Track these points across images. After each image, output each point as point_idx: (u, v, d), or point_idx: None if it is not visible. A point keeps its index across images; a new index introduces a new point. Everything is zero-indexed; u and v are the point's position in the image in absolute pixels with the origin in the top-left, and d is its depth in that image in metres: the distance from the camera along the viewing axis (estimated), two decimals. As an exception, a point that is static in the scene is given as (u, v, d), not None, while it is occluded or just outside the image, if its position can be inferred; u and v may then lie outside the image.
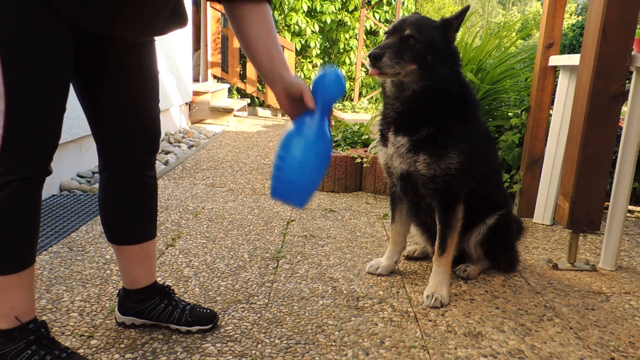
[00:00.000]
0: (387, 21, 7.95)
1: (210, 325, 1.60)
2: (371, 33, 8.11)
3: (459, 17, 1.79)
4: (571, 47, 10.62)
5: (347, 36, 7.84)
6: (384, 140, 1.96)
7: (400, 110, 1.86)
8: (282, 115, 7.81)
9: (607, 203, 2.29)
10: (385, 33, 1.84)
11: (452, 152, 1.80)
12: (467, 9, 1.80)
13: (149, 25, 1.30)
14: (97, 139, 1.45)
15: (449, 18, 1.81)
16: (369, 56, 1.73)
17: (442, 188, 1.85)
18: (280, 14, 7.60)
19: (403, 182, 1.95)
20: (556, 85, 2.83)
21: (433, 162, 1.81)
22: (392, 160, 1.92)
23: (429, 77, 1.77)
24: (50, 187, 3.06)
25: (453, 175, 1.82)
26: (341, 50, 7.93)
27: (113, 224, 1.54)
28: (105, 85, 1.36)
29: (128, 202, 1.51)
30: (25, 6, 1.13)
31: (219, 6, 7.09)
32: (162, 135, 5.21)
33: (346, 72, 8.00)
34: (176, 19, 1.35)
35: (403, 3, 7.70)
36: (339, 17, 7.78)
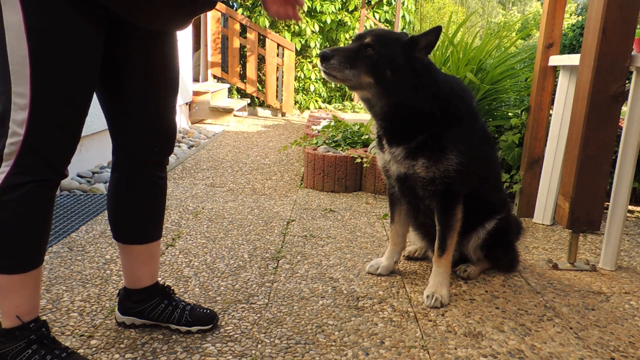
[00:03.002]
0: (387, 21, 7.94)
1: (210, 326, 1.60)
2: (371, 33, 8.11)
3: (427, 36, 1.67)
4: (571, 47, 10.62)
5: (347, 36, 7.84)
6: (380, 144, 1.95)
7: (385, 126, 1.85)
8: (282, 115, 7.81)
9: (607, 203, 2.29)
10: (352, 39, 1.78)
11: (450, 154, 1.78)
12: (437, 29, 1.68)
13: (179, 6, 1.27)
14: (115, 138, 1.46)
15: (416, 35, 1.71)
16: (318, 55, 1.68)
17: (441, 189, 1.83)
18: (280, 14, 7.60)
19: (401, 184, 1.93)
20: (556, 85, 2.83)
21: (432, 165, 1.79)
22: (390, 165, 1.91)
23: (391, 95, 1.71)
24: (50, 187, 3.06)
25: (452, 177, 1.80)
26: (341, 50, 7.93)
27: (121, 222, 1.54)
28: (129, 85, 1.37)
29: (138, 202, 1.51)
30: (57, 9, 1.13)
31: (219, 6, 7.12)
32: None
33: (346, 72, 8.01)
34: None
35: (403, 3, 7.71)
36: (339, 17, 7.78)
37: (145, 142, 1.44)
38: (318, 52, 7.78)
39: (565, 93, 2.74)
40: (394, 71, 1.69)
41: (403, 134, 1.82)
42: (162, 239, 2.38)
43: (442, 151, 1.78)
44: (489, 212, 2.05)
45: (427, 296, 1.85)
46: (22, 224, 1.24)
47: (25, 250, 1.26)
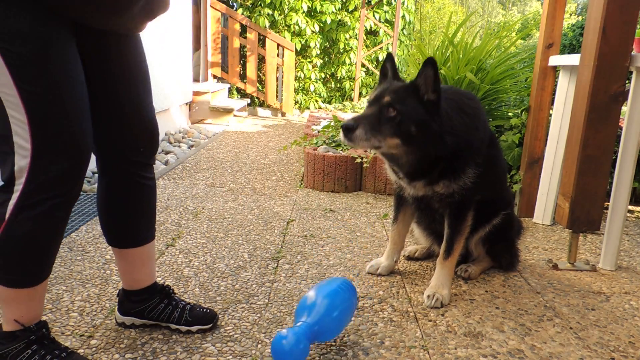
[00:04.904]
0: (387, 21, 7.94)
1: (210, 325, 1.60)
2: (371, 33, 8.11)
3: (426, 73, 1.60)
4: (571, 47, 10.61)
5: (347, 36, 7.83)
6: (395, 172, 1.93)
7: (406, 171, 1.83)
8: (282, 115, 7.81)
9: (607, 203, 2.29)
10: (367, 102, 1.70)
11: (468, 168, 1.81)
12: (431, 61, 1.58)
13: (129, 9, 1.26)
14: (97, 142, 1.42)
15: (416, 82, 1.63)
16: (341, 127, 1.58)
17: (457, 200, 1.86)
18: (280, 14, 7.60)
19: (418, 202, 1.97)
20: (556, 85, 2.83)
21: (452, 183, 1.82)
22: (407, 189, 1.93)
23: (419, 150, 1.68)
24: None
25: (469, 188, 1.83)
26: (341, 50, 7.92)
27: (113, 227, 1.53)
28: (100, 86, 1.35)
29: (127, 206, 1.50)
30: (28, 18, 1.11)
31: (219, 6, 7.13)
32: (162, 135, 5.20)
33: (346, 72, 7.99)
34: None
35: (403, 3, 7.70)
36: (339, 17, 7.77)
37: (125, 142, 1.42)
38: (318, 51, 7.78)
39: (565, 93, 2.74)
40: (420, 127, 1.63)
41: (425, 173, 1.81)
42: (162, 239, 2.39)
43: (462, 170, 1.80)
44: (495, 210, 2.07)
45: (428, 296, 1.85)
46: (36, 242, 1.22)
47: (37, 266, 1.26)
